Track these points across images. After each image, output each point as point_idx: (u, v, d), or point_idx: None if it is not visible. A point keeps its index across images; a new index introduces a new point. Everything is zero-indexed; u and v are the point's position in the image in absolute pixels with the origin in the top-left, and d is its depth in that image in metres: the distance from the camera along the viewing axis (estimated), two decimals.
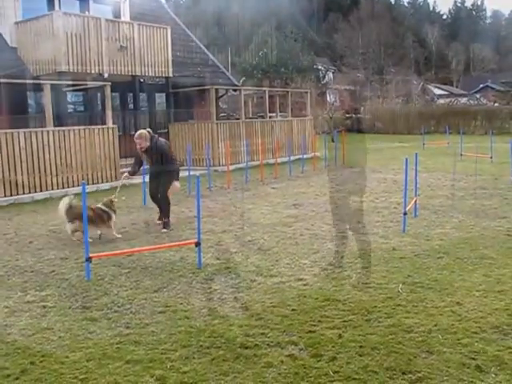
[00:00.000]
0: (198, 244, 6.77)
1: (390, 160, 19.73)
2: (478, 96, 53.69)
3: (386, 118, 39.00)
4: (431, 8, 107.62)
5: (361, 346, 4.45)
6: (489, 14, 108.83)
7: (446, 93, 67.81)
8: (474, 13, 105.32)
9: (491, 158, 18.01)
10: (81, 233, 7.96)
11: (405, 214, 8.52)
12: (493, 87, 61.92)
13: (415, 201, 9.70)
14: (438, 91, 70.09)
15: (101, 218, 8.43)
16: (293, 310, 5.30)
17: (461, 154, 19.89)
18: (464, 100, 49.85)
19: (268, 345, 4.54)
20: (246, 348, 4.48)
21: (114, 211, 8.67)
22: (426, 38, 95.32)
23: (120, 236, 8.62)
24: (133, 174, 9.56)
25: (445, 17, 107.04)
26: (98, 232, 8.54)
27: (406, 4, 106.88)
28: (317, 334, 4.71)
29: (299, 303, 5.46)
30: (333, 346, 4.46)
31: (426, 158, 20.46)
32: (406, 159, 9.54)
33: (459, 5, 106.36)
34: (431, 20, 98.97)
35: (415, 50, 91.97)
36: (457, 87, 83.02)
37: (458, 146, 21.91)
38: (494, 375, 3.95)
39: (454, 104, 43.75)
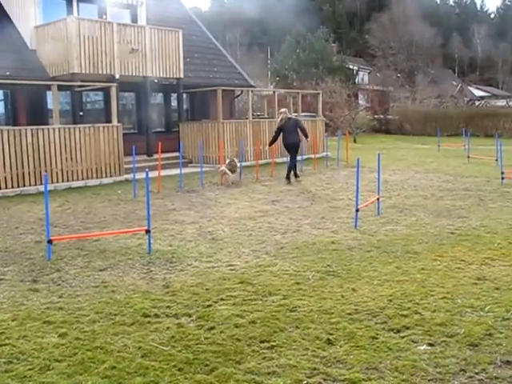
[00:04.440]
0: (147, 231, 7.64)
1: (395, 161, 20.26)
2: None
3: (414, 120, 39.16)
4: (478, 7, 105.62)
5: (241, 320, 5.22)
6: None
7: (488, 94, 67.06)
8: None
9: (496, 160, 18.15)
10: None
11: (357, 210, 9.20)
12: None
13: (377, 199, 10.33)
14: (479, 92, 69.32)
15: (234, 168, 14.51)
16: (206, 289, 6.10)
17: (468, 156, 20.27)
18: (502, 102, 49.36)
19: (166, 315, 5.35)
20: (146, 316, 5.31)
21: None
22: (472, 37, 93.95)
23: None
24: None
25: (492, 16, 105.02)
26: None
27: (451, 3, 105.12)
28: (212, 309, 5.50)
29: (215, 284, 6.26)
30: (218, 319, 5.24)
31: (433, 160, 20.96)
32: (379, 154, 10.20)
33: (508, 3, 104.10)
34: (478, 20, 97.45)
35: (460, 50, 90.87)
36: (502, 89, 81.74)
37: (474, 148, 22.32)
38: (338, 347, 4.65)
39: (484, 106, 43.50)
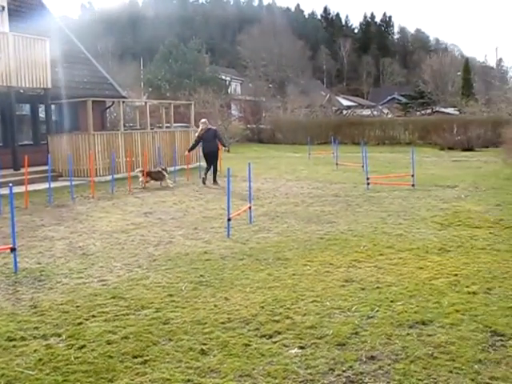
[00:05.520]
0: (13, 249, 7.28)
1: (268, 169, 20.71)
2: (380, 107, 56.27)
3: (285, 129, 40.27)
4: (343, 22, 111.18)
5: (114, 336, 5.11)
6: (396, 29, 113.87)
7: (354, 104, 70.64)
8: (382, 28, 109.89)
9: (363, 166, 18.78)
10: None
11: (229, 219, 9.32)
12: (399, 99, 65.28)
13: (249, 208, 10.53)
14: (346, 102, 72.89)
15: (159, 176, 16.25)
16: (77, 306, 5.91)
17: (336, 164, 21.18)
18: (367, 111, 52.08)
19: (34, 337, 5.13)
20: (11, 340, 5.05)
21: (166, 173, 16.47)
22: (339, 50, 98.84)
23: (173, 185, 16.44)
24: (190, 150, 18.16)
25: (356, 31, 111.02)
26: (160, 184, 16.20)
27: (319, 17, 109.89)
28: (83, 327, 5.34)
29: (86, 301, 6.08)
30: (89, 337, 5.10)
31: (304, 167, 21.66)
32: (249, 164, 10.40)
33: (369, 20, 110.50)
34: (344, 34, 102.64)
35: (328, 62, 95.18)
36: (367, 99, 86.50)
37: (342, 155, 23.29)
38: (212, 356, 4.69)
39: (351, 115, 45.73)
